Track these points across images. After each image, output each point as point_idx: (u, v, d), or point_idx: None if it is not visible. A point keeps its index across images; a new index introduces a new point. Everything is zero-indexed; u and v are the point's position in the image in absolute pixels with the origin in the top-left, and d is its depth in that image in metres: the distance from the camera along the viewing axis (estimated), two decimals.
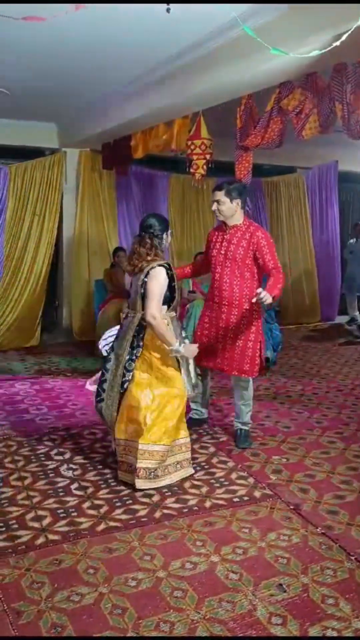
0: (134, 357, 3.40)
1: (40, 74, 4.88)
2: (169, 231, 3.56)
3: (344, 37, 2.45)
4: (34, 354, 6.78)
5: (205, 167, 5.03)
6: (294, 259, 8.82)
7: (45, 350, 6.99)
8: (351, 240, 8.66)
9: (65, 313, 7.69)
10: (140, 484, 3.30)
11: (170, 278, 3.40)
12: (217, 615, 2.29)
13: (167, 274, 3.38)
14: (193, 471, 3.57)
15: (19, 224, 7.01)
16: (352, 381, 5.73)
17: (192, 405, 4.28)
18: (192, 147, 4.97)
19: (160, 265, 3.36)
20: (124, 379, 3.40)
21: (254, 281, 3.83)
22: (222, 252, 3.84)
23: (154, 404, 3.34)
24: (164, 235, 3.48)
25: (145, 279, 3.35)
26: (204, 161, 4.96)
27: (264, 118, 4.00)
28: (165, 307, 3.44)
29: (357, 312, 8.55)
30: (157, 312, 3.30)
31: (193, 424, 4.17)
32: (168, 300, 3.44)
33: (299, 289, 8.83)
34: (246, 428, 4.06)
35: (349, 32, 2.49)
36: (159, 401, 3.36)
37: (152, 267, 3.35)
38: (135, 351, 3.40)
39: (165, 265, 3.40)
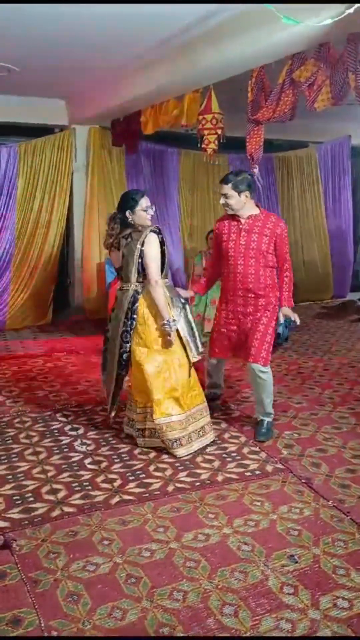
0: (129, 329, 3.46)
1: (48, 50, 4.82)
2: (137, 207, 3.42)
3: (357, 5, 2.39)
4: (46, 332, 6.83)
5: (216, 142, 4.96)
6: (307, 235, 8.74)
7: (58, 329, 7.03)
8: None
9: (76, 291, 7.70)
10: (178, 452, 3.46)
11: (161, 242, 3.46)
12: (229, 585, 2.34)
13: (158, 238, 3.45)
14: (213, 437, 3.70)
15: (29, 203, 7.00)
16: None
17: (207, 379, 4.24)
18: (203, 122, 4.91)
19: (152, 231, 3.42)
20: (121, 350, 3.49)
21: (274, 270, 3.77)
22: (243, 242, 3.68)
23: (158, 378, 3.42)
24: (135, 210, 3.42)
25: (143, 248, 3.40)
26: (216, 136, 4.89)
27: (276, 91, 3.93)
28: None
29: None
30: (158, 276, 3.40)
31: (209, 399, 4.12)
32: (160, 267, 3.48)
33: (312, 266, 8.76)
34: (269, 419, 3.85)
35: None
36: (162, 373, 3.43)
37: (146, 235, 3.41)
38: (130, 322, 3.45)
39: (155, 229, 3.46)
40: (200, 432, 3.60)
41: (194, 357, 3.57)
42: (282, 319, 3.83)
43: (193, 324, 3.65)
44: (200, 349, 3.65)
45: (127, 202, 3.47)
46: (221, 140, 5.01)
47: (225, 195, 3.65)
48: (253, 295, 3.72)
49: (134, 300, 3.45)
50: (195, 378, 3.65)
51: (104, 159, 7.37)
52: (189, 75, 4.57)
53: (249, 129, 4.41)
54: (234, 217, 3.75)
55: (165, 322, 3.37)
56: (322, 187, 8.79)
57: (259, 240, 3.66)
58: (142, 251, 3.40)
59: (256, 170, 4.56)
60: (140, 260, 3.42)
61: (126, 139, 6.69)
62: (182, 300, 3.63)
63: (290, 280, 3.80)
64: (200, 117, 4.93)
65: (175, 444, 3.45)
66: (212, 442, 3.67)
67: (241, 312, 3.77)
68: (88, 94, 6.38)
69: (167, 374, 3.44)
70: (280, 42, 3.60)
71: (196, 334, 3.65)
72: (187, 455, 3.48)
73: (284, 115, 4.02)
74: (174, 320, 3.41)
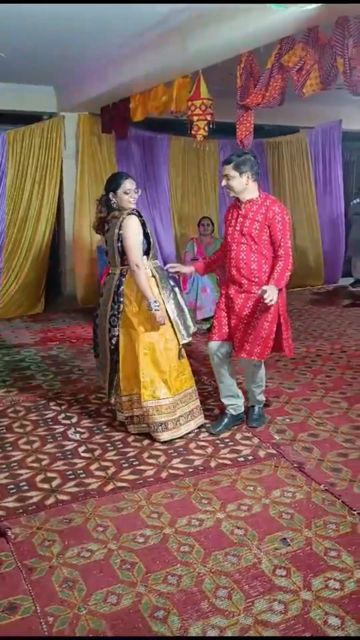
0: (116, 313, 3.47)
1: (36, 36, 4.77)
2: (119, 190, 3.42)
3: None
4: (38, 321, 6.82)
5: (206, 128, 4.94)
6: (298, 220, 8.74)
7: (50, 318, 7.03)
8: (356, 200, 8.46)
9: (68, 280, 7.69)
10: (162, 437, 3.48)
11: (142, 224, 3.45)
12: (223, 568, 2.37)
13: (139, 220, 3.44)
14: (203, 421, 3.71)
15: (19, 191, 6.95)
16: (356, 342, 5.75)
17: (225, 401, 3.78)
18: (193, 107, 4.88)
19: (129, 214, 3.40)
20: (110, 334, 3.52)
21: (270, 259, 3.54)
22: (238, 228, 3.54)
23: (146, 360, 3.44)
24: (118, 192, 3.43)
25: (120, 232, 3.40)
26: (205, 122, 4.87)
27: (265, 76, 3.91)
28: (145, 256, 3.48)
29: None
30: (139, 260, 3.37)
31: (234, 422, 3.78)
32: (145, 249, 3.48)
33: (303, 251, 8.77)
34: (260, 405, 3.85)
35: None
36: (149, 356, 3.45)
37: (124, 218, 3.40)
38: (117, 306, 3.47)
39: (135, 212, 3.44)
40: (189, 416, 3.62)
41: (184, 339, 3.56)
42: (262, 291, 3.32)
43: (184, 306, 3.65)
44: (193, 329, 3.65)
45: (111, 184, 3.48)
46: (211, 126, 4.99)
47: (227, 177, 3.49)
48: (246, 282, 3.54)
49: (119, 284, 3.46)
50: (186, 362, 3.66)
51: (94, 146, 7.33)
52: (178, 60, 4.54)
53: (238, 114, 4.39)
54: (237, 201, 3.59)
55: (149, 302, 3.35)
56: (312, 172, 8.77)
57: (250, 226, 3.50)
58: (120, 235, 3.41)
59: None
60: (120, 244, 3.43)
61: (116, 125, 6.65)
62: (172, 283, 3.62)
63: (283, 268, 3.44)
64: (190, 103, 4.91)
65: (160, 427, 3.47)
66: (202, 426, 3.70)
67: (236, 299, 3.59)
68: (77, 80, 6.32)
69: (154, 356, 3.45)
70: (268, 26, 3.58)
71: (187, 316, 3.65)
72: (170, 439, 3.50)
73: (273, 100, 4.01)
74: (155, 301, 3.36)
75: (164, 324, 3.43)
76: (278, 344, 3.63)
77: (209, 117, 4.88)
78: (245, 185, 3.49)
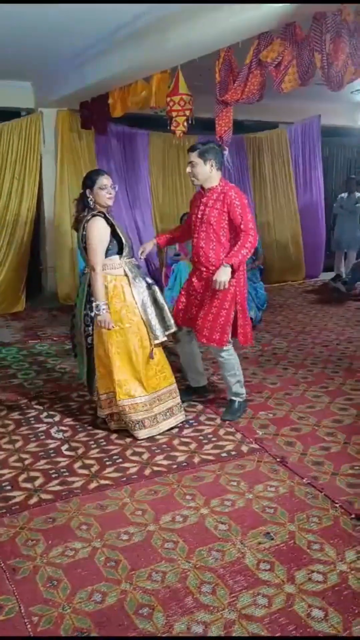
0: (89, 312, 3.48)
1: (12, 32, 4.71)
2: (96, 186, 3.41)
3: None
4: (19, 319, 6.76)
5: (185, 124, 4.93)
6: (278, 215, 8.78)
7: (31, 315, 6.97)
8: (342, 195, 8.52)
9: (49, 278, 7.64)
10: (139, 434, 3.48)
11: (111, 225, 3.42)
12: (207, 564, 2.38)
13: (106, 222, 3.41)
14: (184, 418, 3.71)
15: None
16: (337, 336, 5.80)
17: (186, 374, 4.16)
18: (171, 103, 4.86)
19: (94, 216, 3.38)
20: (86, 333, 3.54)
21: (227, 245, 3.63)
22: (199, 216, 3.64)
23: (119, 359, 3.44)
24: (94, 189, 3.41)
25: (84, 232, 3.40)
26: (184, 118, 4.86)
27: (244, 71, 3.91)
28: (117, 255, 3.45)
29: (343, 269, 8.56)
30: (96, 263, 3.35)
31: (191, 393, 4.13)
32: (118, 248, 3.46)
33: (284, 247, 8.81)
34: (238, 399, 3.86)
35: None
36: (122, 355, 3.45)
37: (87, 220, 3.39)
38: (89, 305, 3.47)
39: (100, 214, 3.42)
40: (168, 414, 3.62)
41: (156, 339, 3.51)
42: (216, 282, 3.49)
43: (164, 305, 3.62)
44: (171, 330, 3.63)
45: (86, 181, 3.46)
46: (190, 122, 4.98)
47: (192, 164, 3.56)
48: (204, 269, 3.67)
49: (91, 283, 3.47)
50: (164, 359, 3.64)
51: (73, 142, 7.27)
52: (156, 56, 4.52)
53: (217, 110, 4.39)
54: (201, 190, 3.70)
55: (96, 303, 3.34)
56: (292, 168, 8.81)
57: (209, 213, 3.58)
58: (84, 236, 3.41)
59: (226, 152, 4.55)
60: (84, 245, 3.43)
61: (95, 121, 6.60)
62: (149, 281, 3.61)
63: (241, 244, 3.49)
64: (169, 99, 4.89)
65: (137, 425, 3.47)
66: (186, 422, 3.71)
67: (196, 286, 3.76)
68: (54, 76, 6.26)
69: (128, 355, 3.45)
70: (246, 22, 3.57)
71: (167, 315, 3.61)
72: (149, 436, 3.50)
73: (252, 96, 4.01)
74: (98, 306, 3.33)
75: (109, 328, 3.38)
76: (234, 330, 3.73)
77: (187, 113, 4.87)
78: (209, 174, 3.58)
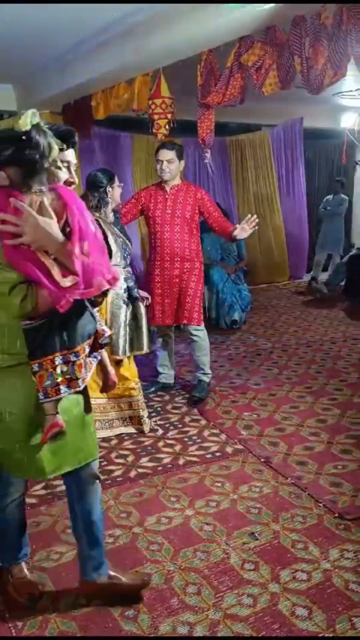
0: None
1: None
2: (114, 184, 3.53)
3: None
4: None
5: (167, 126, 4.93)
6: (262, 217, 8.80)
7: None
8: (328, 197, 8.61)
9: None
10: None
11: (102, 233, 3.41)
12: (192, 565, 2.39)
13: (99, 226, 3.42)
14: (148, 429, 3.66)
15: None
16: (321, 337, 5.85)
17: (160, 369, 4.37)
18: (153, 106, 4.86)
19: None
20: None
21: (197, 236, 4.12)
22: (168, 211, 4.00)
23: None
24: (107, 189, 3.48)
25: None
26: (166, 120, 4.85)
27: (225, 74, 3.92)
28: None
29: (321, 271, 8.62)
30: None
31: (162, 388, 4.37)
32: (117, 256, 3.48)
33: (268, 248, 8.85)
34: (207, 380, 4.26)
35: None
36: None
37: None
38: None
39: (97, 219, 3.42)
40: (126, 422, 3.64)
41: (114, 354, 3.46)
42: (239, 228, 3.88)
43: (142, 324, 3.59)
44: (140, 352, 3.61)
45: (101, 178, 3.48)
46: (172, 125, 4.98)
47: (169, 161, 3.93)
48: (179, 259, 4.03)
49: None
50: (133, 371, 3.63)
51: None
52: (137, 59, 4.51)
53: (199, 113, 4.40)
54: (159, 187, 4.06)
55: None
56: (275, 170, 8.86)
57: (183, 209, 3.99)
58: None
59: (208, 155, 4.57)
60: None
61: (79, 124, 6.58)
62: (135, 295, 3.60)
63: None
64: (150, 102, 4.89)
65: None
66: (170, 424, 3.71)
67: (172, 276, 4.04)
68: (36, 78, 6.24)
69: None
70: (227, 24, 3.59)
71: (142, 336, 3.58)
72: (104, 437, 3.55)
73: (233, 98, 4.02)
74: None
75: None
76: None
77: (169, 116, 4.87)
78: (179, 171, 4.04)
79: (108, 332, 2.00)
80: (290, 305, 7.44)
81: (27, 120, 1.64)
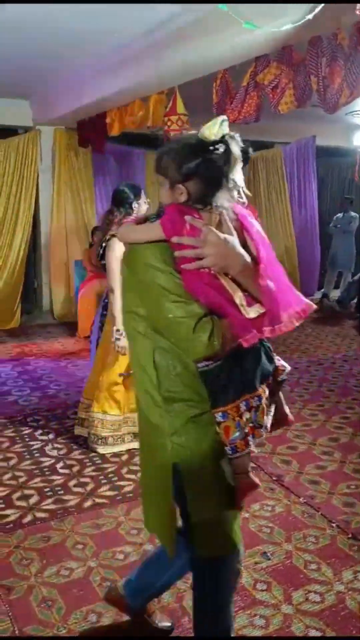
0: (99, 324, 3.62)
1: (11, 50, 4.77)
2: (141, 200, 3.50)
3: (317, 10, 2.44)
4: (14, 336, 6.75)
5: None
6: (274, 234, 8.83)
7: (26, 332, 6.96)
8: (338, 215, 8.64)
9: (45, 294, 7.64)
10: (98, 449, 3.54)
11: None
12: None
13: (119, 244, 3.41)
14: None
15: None
16: (333, 355, 5.82)
17: None
18: (169, 123, 4.93)
19: (113, 236, 3.38)
20: (98, 341, 3.66)
21: None
22: None
23: (106, 374, 3.51)
24: (134, 205, 3.46)
25: (102, 251, 3.45)
26: None
27: (241, 93, 3.97)
28: None
29: (332, 288, 8.60)
30: (114, 284, 3.34)
31: None
32: None
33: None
34: None
35: (323, 5, 2.48)
36: (111, 370, 3.50)
37: (108, 239, 3.41)
38: (102, 318, 3.59)
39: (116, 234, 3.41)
40: (137, 437, 3.60)
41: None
42: None
43: None
44: None
45: (127, 193, 3.46)
46: None
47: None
48: None
49: (106, 296, 3.54)
50: None
51: (70, 160, 7.33)
52: (154, 76, 4.58)
53: None
54: None
55: (115, 328, 3.35)
56: (288, 187, 8.90)
57: None
58: (102, 255, 3.46)
59: None
60: (102, 261, 3.47)
61: (93, 140, 6.66)
62: None
63: None
64: (166, 119, 4.95)
65: (100, 440, 3.53)
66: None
67: None
68: (52, 95, 6.33)
69: (115, 373, 3.49)
70: (244, 44, 3.64)
71: None
72: (106, 453, 3.54)
73: (249, 117, 4.06)
74: (118, 330, 3.31)
75: (123, 354, 3.38)
76: None
77: (185, 133, 4.93)
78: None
79: (288, 368, 1.66)
80: (301, 323, 7.40)
81: (216, 128, 1.42)
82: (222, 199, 1.45)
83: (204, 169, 1.42)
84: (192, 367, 1.48)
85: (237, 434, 1.48)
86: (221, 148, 1.41)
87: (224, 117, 1.43)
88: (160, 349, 1.48)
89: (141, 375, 1.54)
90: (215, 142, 1.41)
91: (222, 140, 1.42)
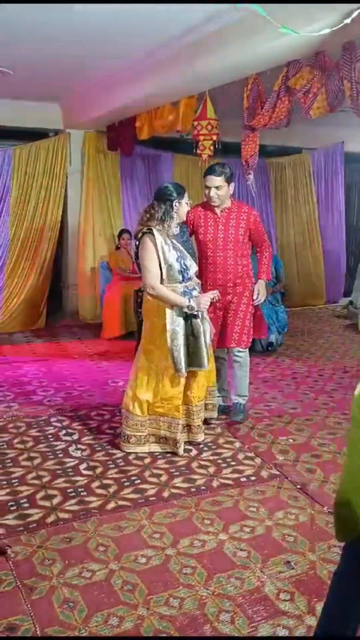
0: (137, 326, 3.58)
1: (43, 54, 4.83)
2: (183, 200, 3.45)
3: (354, 15, 2.41)
4: (40, 336, 6.80)
5: (212, 147, 4.99)
6: (300, 240, 8.78)
7: (52, 333, 7.01)
8: None
9: (71, 295, 7.70)
10: (122, 446, 3.60)
11: (155, 245, 3.33)
12: (225, 592, 2.33)
13: (154, 240, 3.34)
14: (181, 453, 3.56)
15: (23, 206, 6.98)
16: (358, 363, 5.74)
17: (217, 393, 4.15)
18: (199, 127, 4.93)
19: (144, 233, 3.35)
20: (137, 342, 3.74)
21: (248, 256, 4.01)
22: (221, 235, 3.87)
23: (139, 373, 3.54)
24: (175, 203, 3.42)
25: (136, 250, 3.44)
26: (211, 142, 4.92)
27: (272, 97, 3.96)
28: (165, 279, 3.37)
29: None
30: (153, 281, 3.32)
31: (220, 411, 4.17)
32: (170, 272, 3.37)
33: (306, 271, 8.80)
34: (243, 402, 4.16)
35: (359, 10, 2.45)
36: (143, 371, 3.52)
37: (140, 236, 3.38)
38: (138, 318, 3.64)
39: (147, 230, 3.36)
40: (161, 440, 3.61)
41: (177, 372, 3.41)
42: (255, 293, 3.98)
43: (200, 338, 3.44)
44: (201, 368, 3.50)
45: (176, 190, 3.44)
46: (216, 146, 5.03)
47: (218, 187, 3.76)
48: (232, 285, 3.93)
49: (141, 300, 3.55)
50: (178, 393, 3.50)
51: (99, 163, 7.38)
52: (184, 81, 4.59)
53: (244, 135, 4.43)
54: (208, 208, 3.91)
55: (186, 306, 3.34)
56: (315, 193, 8.83)
57: (236, 232, 3.87)
58: (136, 254, 3.47)
59: (251, 176, 4.59)
60: (137, 261, 3.48)
61: (122, 143, 6.70)
62: (187, 312, 3.40)
63: (269, 257, 4.07)
64: (196, 123, 4.96)
65: (124, 437, 3.59)
66: (204, 445, 3.67)
67: (223, 302, 3.93)
68: (83, 98, 6.39)
69: (147, 373, 3.51)
70: (276, 49, 3.62)
71: (201, 353, 3.45)
72: (130, 452, 3.56)
73: (279, 121, 4.05)
74: (188, 306, 3.33)
75: (213, 298, 3.51)
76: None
77: (214, 137, 4.93)
78: (229, 195, 3.86)
79: None
80: (327, 329, 7.35)
81: None
82: None
83: None
84: None
85: None
86: None
87: None
88: None
89: None
90: None
91: None
